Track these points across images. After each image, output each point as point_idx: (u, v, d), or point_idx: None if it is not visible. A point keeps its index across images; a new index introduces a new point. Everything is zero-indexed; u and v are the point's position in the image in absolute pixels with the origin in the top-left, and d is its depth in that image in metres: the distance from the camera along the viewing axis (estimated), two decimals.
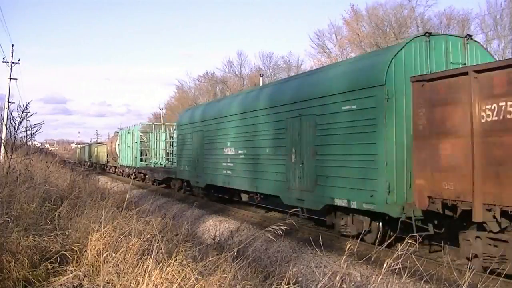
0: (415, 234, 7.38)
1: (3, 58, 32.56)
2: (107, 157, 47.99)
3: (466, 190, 7.33)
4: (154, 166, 31.28)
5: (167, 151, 31.84)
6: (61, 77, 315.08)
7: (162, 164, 31.38)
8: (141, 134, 33.80)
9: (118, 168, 40.99)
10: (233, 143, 15.52)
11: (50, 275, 5.25)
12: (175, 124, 35.83)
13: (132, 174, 34.16)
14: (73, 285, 4.93)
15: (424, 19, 41.35)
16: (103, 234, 5.82)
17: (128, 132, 35.87)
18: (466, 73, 7.48)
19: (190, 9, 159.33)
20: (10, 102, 31.75)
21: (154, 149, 33.26)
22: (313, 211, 11.72)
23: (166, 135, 32.76)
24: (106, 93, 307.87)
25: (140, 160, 32.86)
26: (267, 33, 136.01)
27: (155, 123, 37.31)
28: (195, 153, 19.21)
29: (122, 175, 38.53)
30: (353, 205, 9.74)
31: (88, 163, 59.10)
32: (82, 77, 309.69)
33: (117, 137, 42.00)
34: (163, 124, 36.20)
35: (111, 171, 46.41)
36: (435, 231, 8.76)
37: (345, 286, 4.74)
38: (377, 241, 8.05)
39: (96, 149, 58.16)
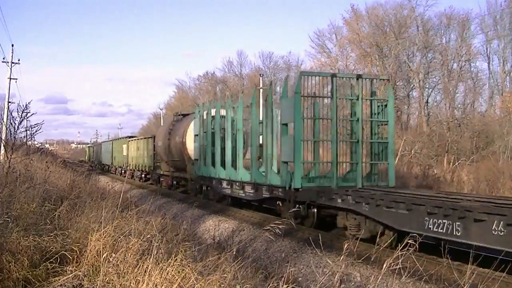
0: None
1: (3, 58, 32.59)
2: (154, 158, 28.61)
3: None
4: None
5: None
6: (62, 77, 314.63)
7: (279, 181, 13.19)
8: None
9: (193, 183, 20.94)
10: None
11: (50, 275, 5.25)
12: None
13: (256, 200, 15.07)
14: (73, 285, 4.93)
15: (424, 19, 41.41)
16: (103, 234, 5.82)
17: (233, 109, 16.96)
18: None
19: (190, 9, 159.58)
20: (10, 102, 31.77)
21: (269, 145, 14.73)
22: None
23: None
24: (107, 93, 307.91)
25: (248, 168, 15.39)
26: (267, 33, 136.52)
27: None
28: None
29: (206, 197, 19.09)
30: None
31: (121, 169, 38.94)
32: (83, 77, 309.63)
33: (187, 123, 21.43)
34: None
35: (163, 184, 26.82)
36: None
37: (344, 286, 4.74)
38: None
39: (125, 146, 37.00)
